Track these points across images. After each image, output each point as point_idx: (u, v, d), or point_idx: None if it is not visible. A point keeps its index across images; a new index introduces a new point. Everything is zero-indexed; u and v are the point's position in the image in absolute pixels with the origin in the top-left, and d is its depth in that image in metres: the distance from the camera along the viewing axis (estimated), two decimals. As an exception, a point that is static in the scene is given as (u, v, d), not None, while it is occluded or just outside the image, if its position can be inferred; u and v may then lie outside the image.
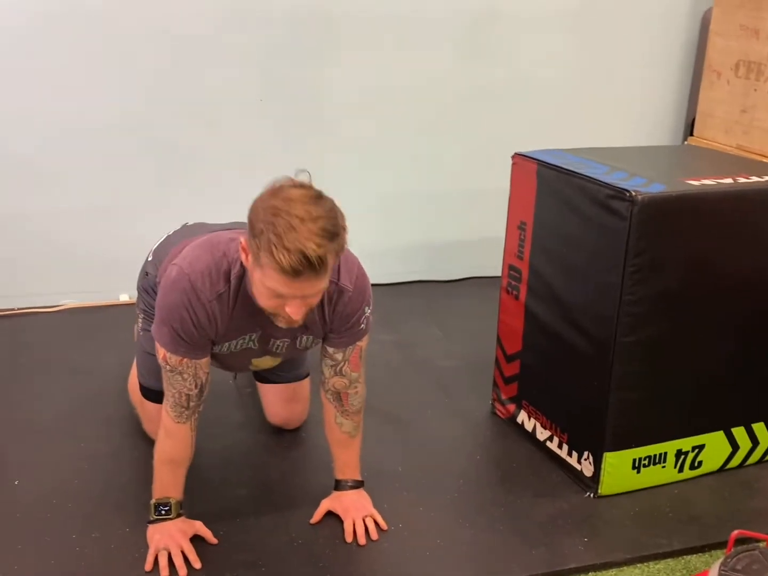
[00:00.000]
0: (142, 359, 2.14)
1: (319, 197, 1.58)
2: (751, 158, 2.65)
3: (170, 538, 1.82)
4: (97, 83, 2.94)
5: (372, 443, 2.11)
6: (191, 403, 1.82)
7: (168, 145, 3.08)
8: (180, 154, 3.10)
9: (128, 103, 2.99)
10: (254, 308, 1.71)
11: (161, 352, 1.78)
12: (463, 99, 3.33)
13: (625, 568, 1.90)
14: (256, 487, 2.11)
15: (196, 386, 1.81)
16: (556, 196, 2.16)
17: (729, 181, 2.04)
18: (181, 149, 3.10)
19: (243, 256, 1.65)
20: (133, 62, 2.95)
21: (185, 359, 1.77)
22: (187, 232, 2.09)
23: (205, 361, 1.82)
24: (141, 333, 2.16)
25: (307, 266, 1.51)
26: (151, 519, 1.86)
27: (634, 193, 1.90)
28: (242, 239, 1.64)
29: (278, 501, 2.06)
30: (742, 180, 2.05)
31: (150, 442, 2.01)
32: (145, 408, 2.16)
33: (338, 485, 2.01)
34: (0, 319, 3.00)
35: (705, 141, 3.22)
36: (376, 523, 1.96)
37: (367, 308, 1.85)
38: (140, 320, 2.17)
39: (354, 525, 1.93)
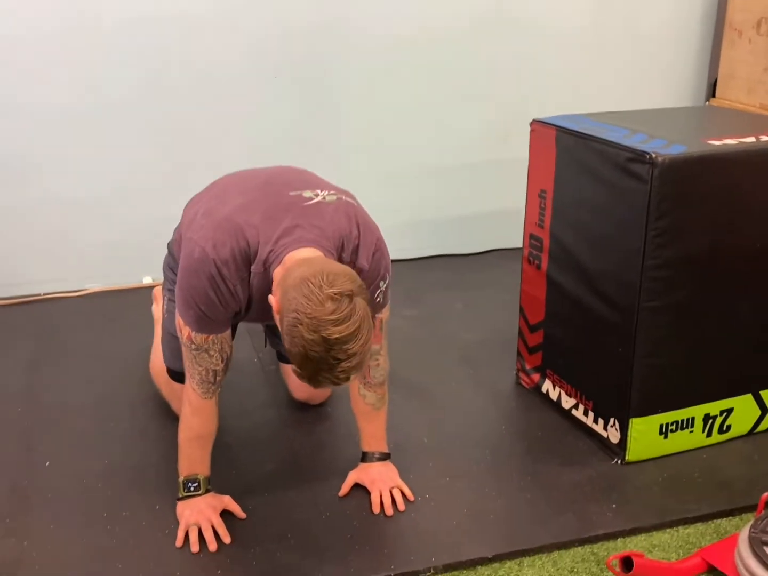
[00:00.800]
0: (167, 341, 2.14)
1: (358, 329, 1.50)
2: (775, 117, 2.60)
3: (200, 513, 1.84)
4: (108, 64, 2.95)
5: (397, 416, 2.11)
6: (217, 378, 1.83)
7: (184, 124, 3.08)
8: (196, 132, 3.10)
9: (143, 83, 3.00)
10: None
11: (185, 331, 1.78)
12: (481, 68, 3.30)
13: (654, 533, 1.89)
14: (283, 462, 2.12)
15: (222, 360, 1.82)
16: (575, 161, 2.13)
17: (752, 139, 2.00)
18: (198, 127, 3.10)
19: (273, 304, 1.60)
20: (141, 40, 2.95)
21: (211, 336, 1.78)
22: (198, 204, 2.00)
23: (229, 332, 1.82)
24: (166, 315, 2.15)
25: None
26: (181, 496, 1.88)
27: (654, 155, 1.87)
28: (273, 301, 1.59)
29: (305, 475, 2.07)
30: (765, 138, 2.02)
31: (176, 419, 2.03)
32: (173, 388, 2.17)
33: (365, 457, 2.02)
34: (26, 305, 3.03)
35: (727, 102, 3.17)
36: (403, 495, 1.96)
37: (382, 282, 1.82)
38: (165, 302, 2.17)
39: (381, 496, 1.94)
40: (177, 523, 1.86)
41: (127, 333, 2.80)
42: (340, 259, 1.73)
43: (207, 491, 1.89)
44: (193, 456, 1.89)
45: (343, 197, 1.83)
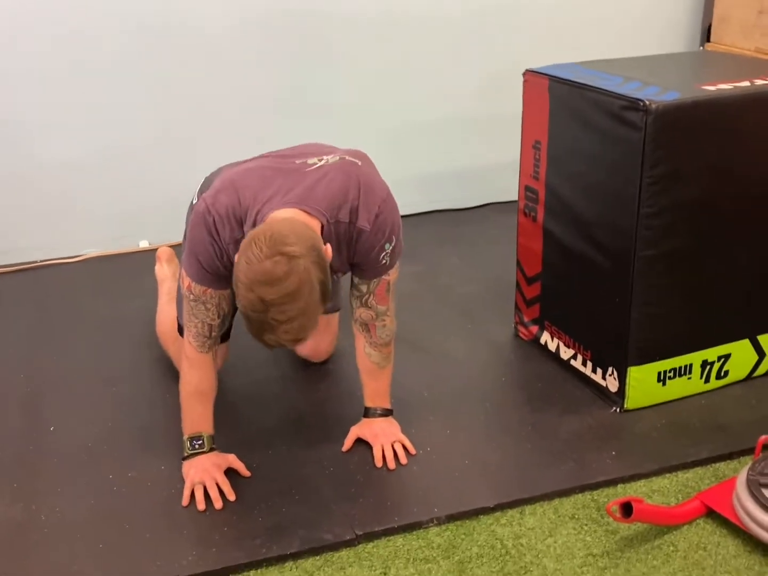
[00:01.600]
0: (181, 297, 2.15)
1: (294, 292, 1.51)
2: (770, 60, 2.57)
3: (205, 472, 1.86)
4: (101, 24, 2.91)
5: (397, 371, 2.12)
6: (213, 333, 1.85)
7: (179, 88, 3.06)
8: (191, 97, 3.08)
9: (137, 43, 2.97)
10: None
11: (186, 281, 1.81)
12: (472, 21, 3.26)
13: (653, 478, 1.92)
14: (286, 419, 2.14)
15: (218, 316, 1.84)
16: (569, 111, 2.12)
17: (746, 84, 1.98)
18: (193, 89, 3.07)
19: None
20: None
21: (209, 290, 1.80)
22: (224, 168, 2.05)
23: (228, 292, 1.82)
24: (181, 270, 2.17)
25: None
26: (186, 455, 1.90)
27: (647, 103, 1.86)
28: (236, 258, 1.59)
29: (309, 432, 2.09)
30: (760, 82, 2.00)
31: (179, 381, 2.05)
32: (178, 347, 2.18)
33: (367, 413, 2.04)
34: (24, 272, 3.03)
35: (722, 46, 3.14)
36: (405, 449, 1.98)
37: (387, 245, 1.81)
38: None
39: (383, 450, 1.96)
40: (182, 482, 1.88)
41: (127, 297, 2.81)
42: (337, 220, 1.73)
43: (211, 449, 1.91)
44: (195, 413, 1.90)
45: (347, 157, 1.82)
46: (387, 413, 2.04)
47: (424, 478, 1.91)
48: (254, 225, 1.70)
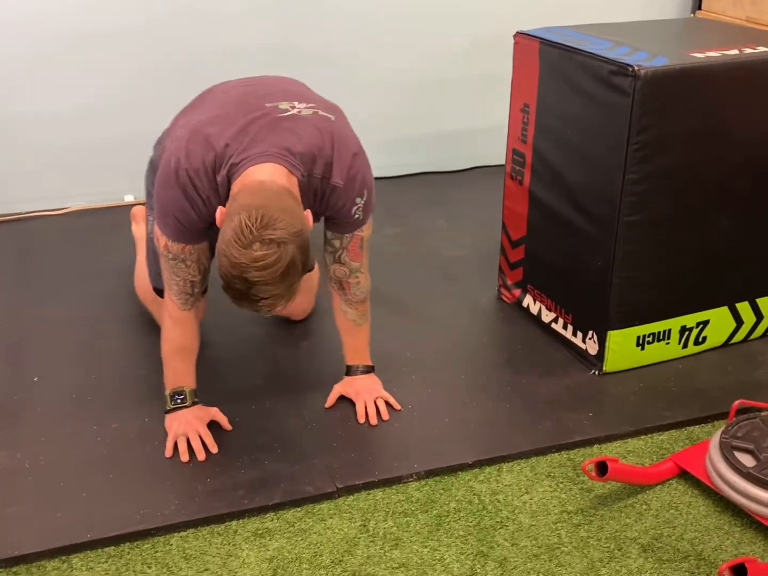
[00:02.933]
0: (152, 260, 2.14)
1: (281, 276, 1.52)
2: (760, 29, 2.57)
3: (188, 424, 1.89)
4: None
5: (380, 331, 2.14)
6: (195, 290, 1.85)
7: (168, 43, 3.02)
8: (178, 44, 3.04)
9: (121, 8, 2.93)
10: None
11: (162, 240, 1.79)
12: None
13: (629, 440, 1.96)
14: (268, 376, 2.16)
15: (199, 272, 1.84)
16: (559, 75, 2.12)
17: (735, 52, 1.99)
18: (180, 39, 3.04)
19: (217, 218, 1.63)
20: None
21: (188, 246, 1.79)
22: (180, 114, 2.02)
23: (206, 245, 1.82)
24: (150, 235, 2.14)
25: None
26: (168, 408, 1.92)
27: (636, 68, 1.86)
28: (219, 212, 1.61)
29: (291, 388, 2.11)
30: (748, 51, 2.01)
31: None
32: (159, 304, 2.18)
33: (349, 371, 2.06)
34: (7, 224, 3.01)
35: (713, 14, 3.14)
36: (388, 404, 2.01)
37: (359, 199, 1.80)
38: (149, 222, 2.16)
39: (366, 407, 1.99)
40: (166, 434, 1.90)
41: (111, 250, 2.80)
42: (311, 174, 1.72)
43: (194, 403, 1.93)
44: (178, 368, 1.92)
45: (320, 111, 1.80)
46: (369, 370, 2.07)
47: (404, 435, 1.95)
48: (228, 175, 1.67)
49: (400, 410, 2.02)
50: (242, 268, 1.51)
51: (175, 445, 1.87)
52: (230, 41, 3.09)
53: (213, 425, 1.94)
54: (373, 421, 1.97)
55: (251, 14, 3.08)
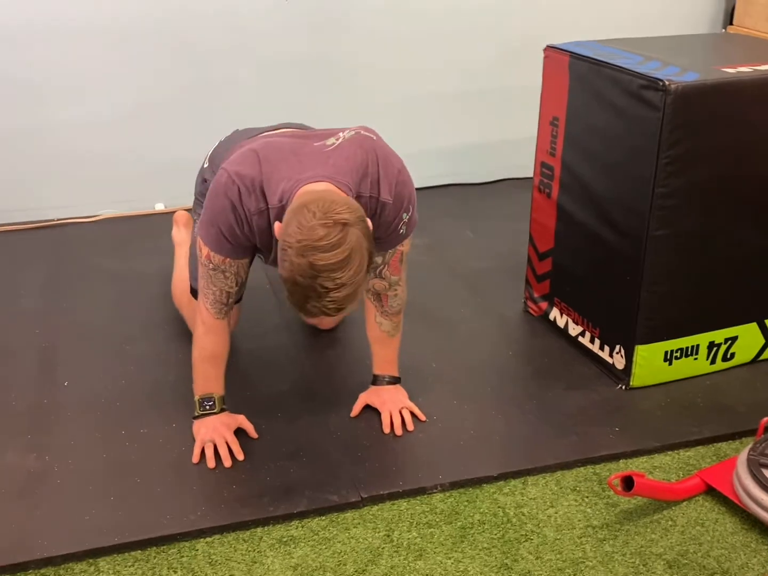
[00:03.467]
0: (194, 262, 2.16)
1: (347, 258, 1.50)
2: (793, 45, 2.56)
3: (215, 431, 1.90)
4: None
5: (406, 341, 2.14)
6: (230, 300, 1.88)
7: (195, 52, 3.07)
8: (207, 59, 3.09)
9: (158, 7, 2.98)
10: None
11: (205, 250, 1.83)
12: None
13: (655, 455, 1.95)
14: (296, 384, 2.17)
15: (236, 284, 1.87)
16: (588, 88, 2.12)
17: (766, 67, 1.98)
18: (208, 55, 3.08)
19: (276, 231, 1.63)
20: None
21: (228, 259, 1.82)
22: (238, 137, 2.09)
23: (247, 261, 1.87)
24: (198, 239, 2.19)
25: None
26: (196, 414, 1.94)
27: (667, 83, 1.86)
28: (276, 226, 1.62)
29: (318, 397, 2.12)
30: (780, 66, 2.00)
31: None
32: (192, 309, 2.20)
33: (375, 380, 2.07)
34: (41, 230, 3.06)
35: (745, 29, 3.12)
36: (414, 415, 2.02)
37: (405, 214, 1.83)
38: (196, 226, 2.19)
39: (391, 416, 1.99)
40: (193, 440, 1.92)
41: (141, 257, 2.84)
42: (360, 195, 1.74)
43: (222, 410, 1.94)
44: (207, 375, 1.94)
45: (362, 131, 1.83)
46: (395, 380, 2.08)
47: (429, 446, 1.95)
48: (281, 199, 1.70)
49: (425, 421, 2.02)
50: (306, 251, 1.48)
51: (202, 451, 1.89)
52: (263, 58, 3.13)
53: (239, 432, 1.95)
54: (398, 431, 1.97)
55: (283, 31, 3.12)
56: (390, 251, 1.90)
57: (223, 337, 1.92)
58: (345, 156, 1.75)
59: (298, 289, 1.53)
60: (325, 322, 2.39)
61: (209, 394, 1.94)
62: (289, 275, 1.53)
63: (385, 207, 1.78)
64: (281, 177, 1.71)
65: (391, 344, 2.05)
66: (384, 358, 2.07)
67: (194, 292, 2.19)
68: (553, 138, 2.28)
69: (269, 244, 1.81)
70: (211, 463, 1.86)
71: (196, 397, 1.95)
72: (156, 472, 1.86)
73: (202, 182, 2.18)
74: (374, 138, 1.84)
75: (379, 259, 1.90)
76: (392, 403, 2.02)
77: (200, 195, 2.19)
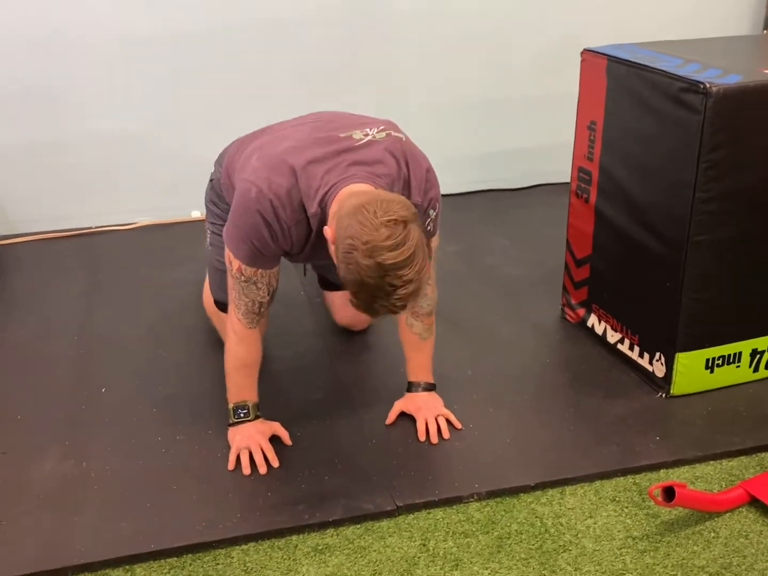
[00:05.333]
0: (213, 275, 2.20)
1: (412, 255, 1.51)
2: (837, 46, 2.51)
3: (250, 438, 1.90)
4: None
5: (441, 348, 2.13)
6: (262, 309, 1.88)
7: (229, 61, 3.09)
8: (241, 68, 3.11)
9: (191, 16, 3.00)
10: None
11: (236, 264, 1.81)
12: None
13: (697, 465, 1.91)
14: (329, 391, 2.17)
15: (268, 293, 1.87)
16: (627, 92, 2.09)
17: (811, 68, 1.94)
18: (243, 63, 3.10)
19: (328, 235, 1.62)
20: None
21: (260, 270, 1.82)
22: (245, 138, 2.06)
23: (278, 269, 1.86)
24: (210, 248, 2.19)
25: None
26: (231, 422, 1.94)
27: (708, 85, 1.83)
28: (328, 231, 1.61)
29: (352, 404, 2.11)
30: (825, 67, 1.96)
31: (226, 349, 2.09)
32: (221, 318, 2.22)
33: (410, 387, 2.05)
34: (78, 238, 3.10)
35: (786, 31, 3.06)
36: (450, 423, 2.00)
37: (432, 211, 1.84)
38: (209, 235, 2.21)
39: (426, 424, 1.97)
40: (228, 447, 1.92)
41: (177, 265, 2.86)
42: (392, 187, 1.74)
43: (256, 417, 1.94)
44: (241, 383, 1.94)
45: (392, 132, 1.83)
46: (430, 387, 2.06)
47: (465, 454, 1.93)
48: (320, 204, 1.69)
49: (460, 429, 2.00)
50: (375, 252, 1.49)
51: (238, 458, 1.89)
52: (295, 63, 3.14)
53: (274, 439, 1.95)
54: (434, 439, 1.96)
55: (317, 36, 3.13)
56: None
57: (256, 346, 1.91)
58: (378, 158, 1.75)
59: (366, 289, 1.53)
60: (357, 323, 2.38)
61: (243, 401, 1.93)
62: (357, 277, 1.52)
63: (416, 208, 1.76)
64: (318, 182, 1.70)
65: (424, 349, 2.04)
66: (418, 364, 2.05)
67: (218, 304, 2.20)
68: (590, 142, 2.25)
69: (303, 248, 1.81)
70: (246, 470, 1.86)
71: (230, 405, 1.94)
72: (192, 479, 1.86)
73: (210, 188, 2.19)
74: (403, 139, 1.83)
75: None
76: (428, 410, 2.00)
77: (209, 202, 2.20)
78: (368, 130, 1.81)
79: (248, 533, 1.71)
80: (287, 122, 2.00)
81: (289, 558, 1.66)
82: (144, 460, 1.92)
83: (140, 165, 3.15)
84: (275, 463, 1.88)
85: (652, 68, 1.99)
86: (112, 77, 3.02)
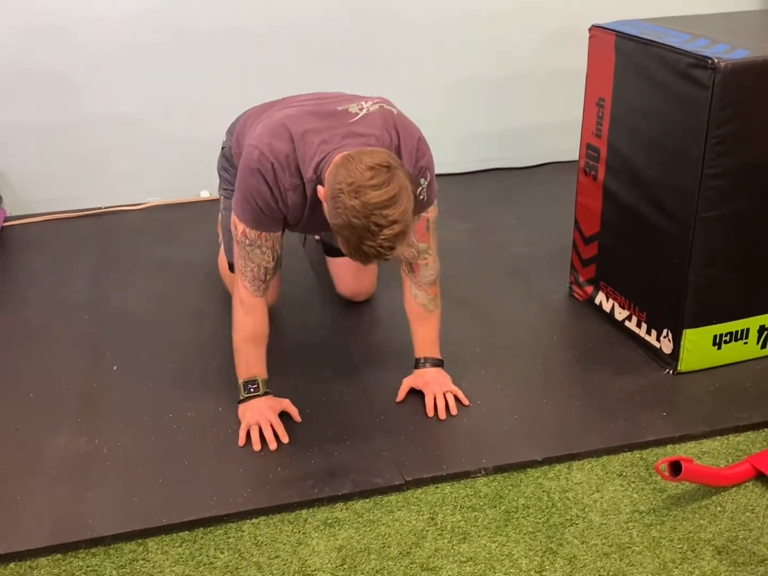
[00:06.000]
0: (226, 237, 2.27)
1: (396, 195, 1.60)
2: None
3: (260, 414, 1.92)
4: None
5: (449, 326, 2.14)
6: (268, 276, 1.91)
7: (237, 43, 3.09)
8: (250, 50, 3.11)
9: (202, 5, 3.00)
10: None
11: (240, 227, 1.87)
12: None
13: (703, 440, 1.92)
14: (338, 367, 2.18)
15: (273, 258, 1.90)
16: (635, 68, 2.09)
17: (820, 43, 1.93)
18: (252, 45, 3.10)
19: (320, 194, 1.71)
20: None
21: (264, 233, 1.87)
22: (254, 110, 2.16)
23: (280, 234, 1.91)
24: (223, 212, 2.28)
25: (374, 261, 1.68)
26: (241, 398, 1.96)
27: (716, 61, 1.82)
28: (320, 190, 1.71)
29: (361, 380, 2.13)
30: (835, 42, 1.94)
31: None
32: (234, 280, 2.26)
33: (418, 363, 2.07)
34: (89, 218, 3.12)
35: (797, 6, 3.03)
36: (458, 400, 2.01)
37: (423, 180, 1.87)
38: (222, 201, 2.31)
39: (435, 400, 1.99)
40: (239, 423, 1.94)
41: (187, 244, 2.87)
42: None
43: (266, 393, 1.96)
44: (250, 357, 1.96)
45: (384, 105, 1.89)
46: (438, 363, 2.07)
47: (473, 430, 1.94)
48: (316, 171, 1.75)
49: (468, 405, 2.01)
50: (359, 192, 1.58)
51: (248, 434, 1.91)
52: (304, 45, 3.14)
53: (284, 415, 1.97)
54: (442, 415, 1.97)
55: (324, 17, 3.12)
56: (415, 217, 1.86)
57: (263, 316, 1.94)
58: (372, 128, 1.82)
59: (353, 231, 1.60)
60: (359, 293, 2.43)
61: (253, 377, 1.95)
62: (344, 220, 1.60)
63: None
64: (314, 150, 1.77)
65: (428, 321, 2.05)
66: (424, 339, 2.06)
67: (231, 267, 2.24)
68: (599, 119, 2.25)
69: (300, 216, 1.87)
70: (256, 446, 1.88)
71: (240, 381, 1.96)
72: (203, 454, 1.88)
73: (221, 156, 2.31)
74: (395, 111, 1.89)
75: None
76: (436, 386, 2.01)
77: (221, 169, 2.30)
78: (363, 103, 1.89)
79: (259, 507, 1.73)
80: (293, 97, 2.07)
81: (299, 531, 1.69)
82: (156, 436, 1.94)
83: (150, 146, 3.16)
84: (285, 439, 1.90)
85: (661, 44, 1.99)
86: (122, 59, 3.03)
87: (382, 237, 1.59)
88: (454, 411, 1.98)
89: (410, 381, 2.05)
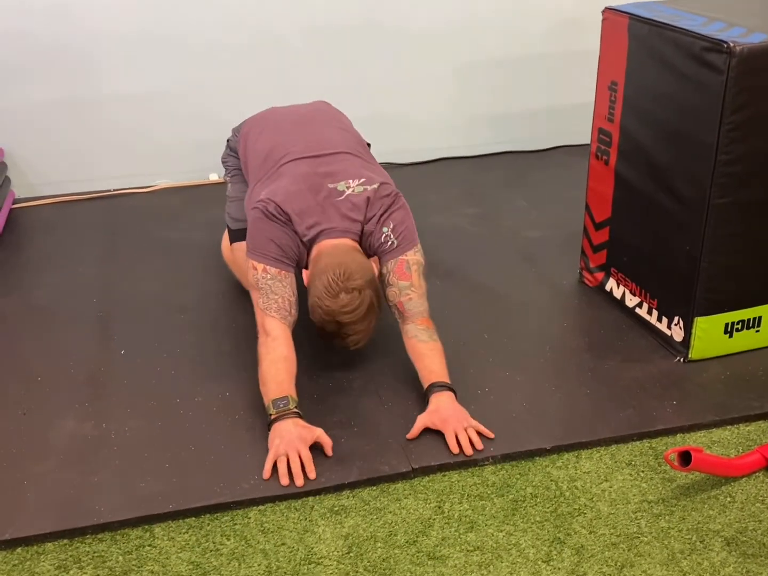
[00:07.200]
0: (232, 207, 2.37)
1: (364, 316, 1.93)
2: None
3: (290, 444, 1.79)
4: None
5: (458, 312, 2.13)
6: (292, 309, 1.98)
7: (244, 24, 3.06)
8: (261, 31, 3.08)
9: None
10: None
11: (260, 267, 1.98)
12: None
13: (714, 430, 1.91)
14: (347, 354, 2.16)
15: (293, 294, 1.99)
16: (648, 52, 2.05)
17: (839, 27, 1.89)
18: (257, 26, 3.08)
19: (305, 277, 2.03)
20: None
21: (284, 271, 1.99)
22: (259, 119, 2.36)
23: (294, 277, 2.02)
24: (230, 184, 2.44)
25: None
26: (272, 416, 1.83)
27: (731, 45, 1.79)
28: (305, 274, 2.03)
29: (369, 367, 2.12)
30: None
31: (246, 312, 2.10)
32: (236, 256, 2.31)
33: (430, 390, 1.93)
34: (98, 201, 3.11)
35: (816, -13, 2.98)
36: (481, 435, 1.86)
37: (385, 228, 2.02)
38: (229, 187, 2.45)
39: (457, 437, 1.84)
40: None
41: (196, 227, 2.87)
42: (362, 231, 2.03)
43: (297, 414, 1.84)
44: (280, 377, 1.88)
45: (368, 187, 2.04)
46: (448, 387, 1.93)
47: (481, 418, 1.92)
48: (308, 243, 2.01)
49: (492, 438, 1.86)
50: (334, 314, 1.91)
51: (275, 465, 1.78)
52: (313, 26, 3.11)
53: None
54: (468, 451, 1.81)
55: (340, 6, 3.10)
56: (391, 261, 2.03)
57: (290, 343, 1.95)
58: (355, 213, 2.02)
59: (325, 334, 1.99)
60: None
61: (283, 394, 1.86)
62: (320, 324, 1.97)
63: (372, 235, 2.04)
64: (305, 228, 2.00)
65: (428, 353, 1.97)
66: (430, 369, 1.96)
67: (231, 234, 2.36)
68: (611, 103, 2.22)
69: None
70: (284, 480, 1.74)
71: (268, 401, 1.85)
72: (210, 440, 1.88)
73: (227, 149, 2.47)
74: (376, 188, 2.04)
75: (384, 269, 2.04)
76: (456, 422, 1.86)
77: (227, 156, 2.47)
78: (351, 181, 2.06)
79: (266, 494, 1.73)
80: (286, 124, 2.28)
81: (306, 519, 1.68)
82: (163, 421, 1.94)
83: (159, 129, 3.15)
84: (312, 475, 1.76)
85: (675, 27, 1.95)
86: (133, 42, 3.01)
87: (349, 340, 1.97)
88: (479, 446, 1.83)
89: (426, 419, 1.88)
